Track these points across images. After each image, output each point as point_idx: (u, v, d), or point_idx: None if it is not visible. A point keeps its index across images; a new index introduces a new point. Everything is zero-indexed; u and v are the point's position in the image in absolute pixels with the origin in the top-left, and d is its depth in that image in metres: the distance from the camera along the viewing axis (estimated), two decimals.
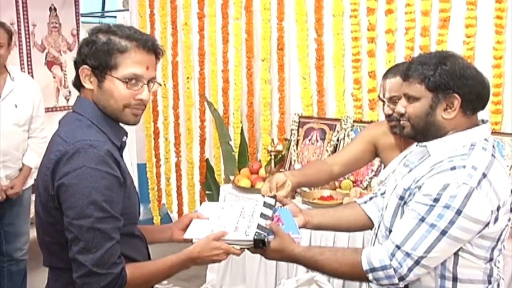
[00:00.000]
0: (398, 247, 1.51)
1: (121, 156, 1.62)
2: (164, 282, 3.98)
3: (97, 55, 1.49)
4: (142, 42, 1.51)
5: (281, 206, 1.89)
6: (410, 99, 1.61)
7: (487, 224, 1.49)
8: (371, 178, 3.52)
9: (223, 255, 1.61)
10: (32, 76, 5.42)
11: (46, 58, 5.62)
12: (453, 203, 1.45)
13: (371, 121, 3.66)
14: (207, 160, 4.83)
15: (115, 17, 6.62)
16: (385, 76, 2.29)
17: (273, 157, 3.95)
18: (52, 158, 1.47)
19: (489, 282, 1.59)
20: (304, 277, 3.02)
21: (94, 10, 6.72)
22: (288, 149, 4.08)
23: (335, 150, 3.80)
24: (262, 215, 1.72)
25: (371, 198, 1.96)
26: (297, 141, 4.05)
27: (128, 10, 5.57)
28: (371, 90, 3.67)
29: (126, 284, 1.48)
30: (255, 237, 1.60)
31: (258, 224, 1.66)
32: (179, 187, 5.14)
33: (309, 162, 2.34)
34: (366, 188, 3.49)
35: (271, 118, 4.31)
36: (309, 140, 3.99)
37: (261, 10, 4.19)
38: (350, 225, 1.98)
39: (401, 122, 1.67)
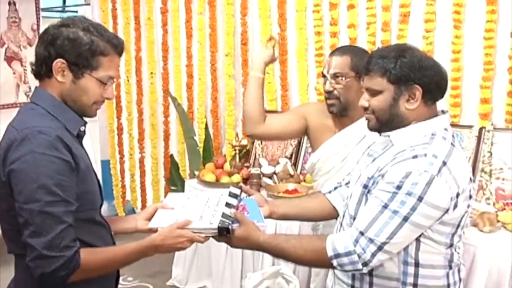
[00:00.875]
0: (361, 233, 1.54)
1: (81, 145, 1.65)
2: (130, 278, 4.03)
3: (79, 54, 1.54)
4: (119, 47, 1.60)
5: (246, 196, 1.91)
6: (373, 92, 1.65)
7: (447, 211, 1.54)
8: None
9: (186, 243, 1.62)
10: None
11: (5, 53, 5.49)
12: (415, 190, 1.49)
13: None
14: (171, 155, 4.81)
15: (76, 11, 6.53)
16: (332, 54, 2.31)
17: (237, 151, 3.97)
18: (3, 146, 1.51)
19: (450, 267, 1.64)
20: (270, 270, 3.04)
21: (54, 5, 6.60)
22: (253, 143, 4.09)
23: (299, 144, 3.84)
24: (227, 204, 1.73)
25: (335, 188, 1.98)
26: None
27: (89, 4, 5.48)
28: None
29: (79, 268, 1.48)
30: (219, 225, 1.62)
31: (223, 213, 1.67)
32: (143, 183, 5.10)
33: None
34: None
35: (235, 112, 4.32)
36: None
37: (225, 5, 4.20)
38: (315, 214, 2.00)
39: (366, 116, 1.70)
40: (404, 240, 1.54)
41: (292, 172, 3.64)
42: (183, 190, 4.43)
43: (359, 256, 1.54)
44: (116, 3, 4.99)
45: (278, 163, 3.75)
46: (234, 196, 1.81)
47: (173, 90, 4.68)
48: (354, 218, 1.65)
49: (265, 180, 3.64)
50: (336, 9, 3.63)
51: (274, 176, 3.67)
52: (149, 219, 1.78)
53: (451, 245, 1.62)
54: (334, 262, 1.58)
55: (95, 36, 1.55)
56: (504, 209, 2.83)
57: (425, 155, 1.54)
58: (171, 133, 4.83)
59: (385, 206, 1.53)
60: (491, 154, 3.03)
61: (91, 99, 1.59)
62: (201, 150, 4.47)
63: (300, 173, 3.73)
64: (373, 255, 1.53)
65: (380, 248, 1.52)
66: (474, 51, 3.13)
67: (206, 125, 4.50)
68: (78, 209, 1.52)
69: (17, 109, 4.85)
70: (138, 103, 4.97)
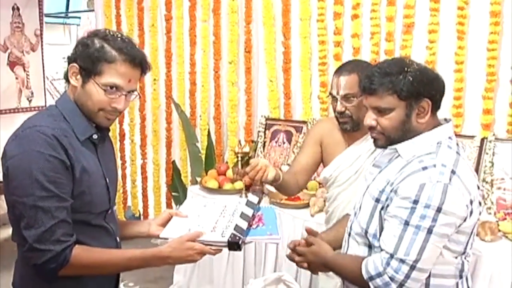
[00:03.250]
0: (391, 255, 1.55)
1: (95, 148, 1.69)
2: (131, 284, 4.03)
3: (87, 59, 1.58)
4: (130, 57, 1.60)
5: (267, 205, 1.87)
6: (382, 111, 1.64)
7: (465, 218, 1.55)
8: None
9: (197, 256, 1.61)
10: None
11: (8, 58, 5.53)
12: (432, 202, 1.51)
13: None
14: (173, 162, 4.83)
15: (79, 17, 6.56)
16: (339, 73, 2.28)
17: (240, 158, 3.98)
18: (7, 141, 1.59)
19: (460, 277, 1.66)
20: (272, 277, 3.03)
21: (58, 10, 6.63)
22: (255, 150, 4.12)
23: None
24: (243, 215, 1.70)
25: None
26: (264, 143, 4.09)
27: (93, 10, 5.51)
28: None
29: (68, 263, 1.53)
30: (229, 239, 1.58)
31: (236, 225, 1.63)
32: (144, 189, 5.11)
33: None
34: None
35: (238, 120, 4.34)
36: (276, 142, 4.03)
37: (229, 13, 4.22)
38: None
39: (373, 135, 1.70)
40: (433, 254, 1.55)
41: None
42: (184, 197, 4.44)
43: (391, 279, 1.55)
44: (120, 9, 5.01)
45: (280, 170, 3.75)
46: (251, 205, 1.76)
47: (176, 97, 4.70)
48: (366, 231, 1.66)
49: (268, 187, 3.64)
50: (341, 18, 3.65)
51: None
52: (163, 225, 1.79)
53: (463, 253, 1.64)
54: (370, 285, 1.59)
55: (106, 43, 1.59)
56: (505, 218, 2.85)
57: (434, 165, 1.55)
58: (173, 139, 4.85)
59: (407, 223, 1.53)
60: (492, 164, 3.06)
61: (96, 105, 1.61)
62: (203, 156, 4.48)
63: None
64: (407, 275, 1.54)
65: (412, 267, 1.53)
66: (477, 62, 3.16)
67: (209, 132, 4.52)
68: (73, 210, 1.56)
69: (20, 114, 4.90)
70: (141, 109, 4.99)
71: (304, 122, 3.90)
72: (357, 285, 1.71)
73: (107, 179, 1.71)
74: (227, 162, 4.33)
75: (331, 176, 2.42)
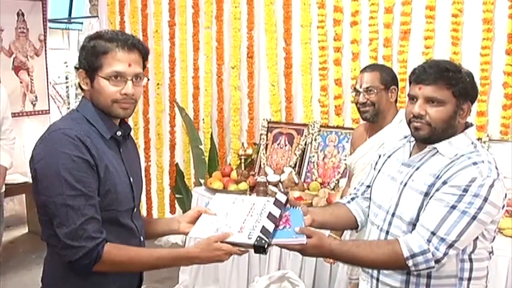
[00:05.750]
0: (433, 233, 1.67)
1: (118, 148, 1.77)
2: None
3: (86, 59, 1.69)
4: (122, 42, 1.68)
5: (293, 206, 1.87)
6: (434, 102, 1.73)
7: (499, 210, 1.70)
8: (337, 179, 3.71)
9: (224, 256, 1.67)
10: None
11: (13, 63, 5.63)
12: (481, 192, 1.64)
13: (337, 126, 3.88)
14: (176, 164, 4.94)
15: (81, 23, 6.65)
16: (363, 70, 2.67)
17: (243, 160, 4.10)
18: (34, 145, 1.68)
19: (490, 258, 1.83)
20: (276, 274, 3.16)
21: (60, 16, 6.73)
22: (258, 153, 4.24)
23: (303, 154, 3.99)
24: (270, 215, 1.71)
25: (352, 199, 2.08)
26: (266, 145, 4.21)
27: (97, 16, 5.62)
28: (337, 97, 3.87)
29: (101, 259, 1.61)
30: (255, 243, 1.59)
31: (263, 227, 1.64)
32: (148, 192, 5.21)
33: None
34: (333, 189, 3.67)
35: (240, 123, 4.46)
36: (278, 144, 4.16)
37: (232, 20, 4.35)
38: (345, 223, 2.07)
39: (417, 124, 1.76)
40: (470, 237, 1.69)
41: (296, 181, 3.78)
42: (188, 198, 4.56)
43: (433, 255, 1.66)
44: (124, 15, 5.13)
45: (282, 171, 3.89)
46: (279, 205, 1.77)
47: (180, 100, 4.82)
48: (414, 224, 1.75)
49: (271, 188, 3.78)
50: (340, 25, 3.78)
51: (280, 184, 3.81)
52: (192, 222, 1.85)
53: (493, 239, 1.80)
54: (410, 262, 1.68)
55: (97, 39, 1.69)
56: None
57: (483, 161, 1.68)
58: (177, 142, 4.96)
59: (453, 207, 1.66)
60: None
61: (107, 99, 1.68)
62: (206, 159, 4.60)
63: (304, 181, 3.88)
64: (445, 253, 1.66)
65: (451, 246, 1.66)
66: (471, 67, 3.17)
67: (211, 135, 4.64)
68: (101, 208, 1.64)
69: (24, 118, 5.06)
70: (145, 113, 5.10)
71: (305, 125, 4.03)
72: (377, 267, 1.82)
73: (131, 178, 1.78)
74: (230, 164, 4.45)
75: (351, 163, 2.76)
